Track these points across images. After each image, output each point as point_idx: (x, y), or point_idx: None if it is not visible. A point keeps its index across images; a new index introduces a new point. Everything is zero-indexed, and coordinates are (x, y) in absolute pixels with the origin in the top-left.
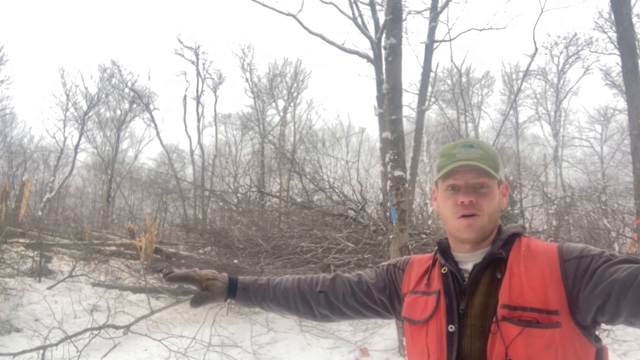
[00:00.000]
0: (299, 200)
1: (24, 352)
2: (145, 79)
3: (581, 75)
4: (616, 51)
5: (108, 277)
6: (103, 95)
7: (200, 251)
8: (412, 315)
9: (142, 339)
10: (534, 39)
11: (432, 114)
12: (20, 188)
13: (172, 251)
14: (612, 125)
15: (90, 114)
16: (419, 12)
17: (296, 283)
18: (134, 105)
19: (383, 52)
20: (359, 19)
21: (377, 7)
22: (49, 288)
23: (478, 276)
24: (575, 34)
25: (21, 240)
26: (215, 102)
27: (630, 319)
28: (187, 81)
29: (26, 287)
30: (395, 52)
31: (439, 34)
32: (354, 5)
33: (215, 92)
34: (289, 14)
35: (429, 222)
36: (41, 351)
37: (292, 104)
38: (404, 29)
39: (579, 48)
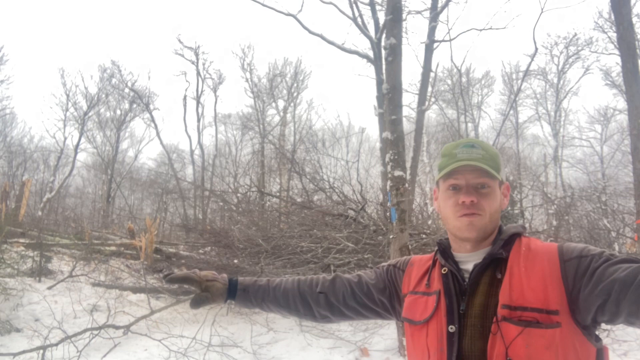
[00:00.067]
0: (299, 200)
1: (24, 352)
2: (145, 79)
3: (581, 75)
4: (616, 51)
5: (108, 277)
6: (103, 95)
7: (200, 251)
8: (413, 315)
9: (142, 339)
10: (534, 39)
11: (432, 114)
12: (20, 188)
13: (172, 251)
14: (612, 125)
15: (90, 114)
16: (419, 12)
17: (296, 284)
18: (134, 105)
19: (383, 52)
20: (359, 19)
21: (377, 7)
22: (49, 288)
23: (478, 276)
24: (575, 34)
25: (21, 240)
26: (215, 102)
27: (630, 318)
28: (187, 81)
29: (26, 287)
30: (395, 52)
31: (439, 34)
32: (354, 5)
33: (215, 92)
34: (289, 14)
35: (429, 222)
36: (41, 351)
37: (292, 104)
38: (404, 29)
39: (579, 48)
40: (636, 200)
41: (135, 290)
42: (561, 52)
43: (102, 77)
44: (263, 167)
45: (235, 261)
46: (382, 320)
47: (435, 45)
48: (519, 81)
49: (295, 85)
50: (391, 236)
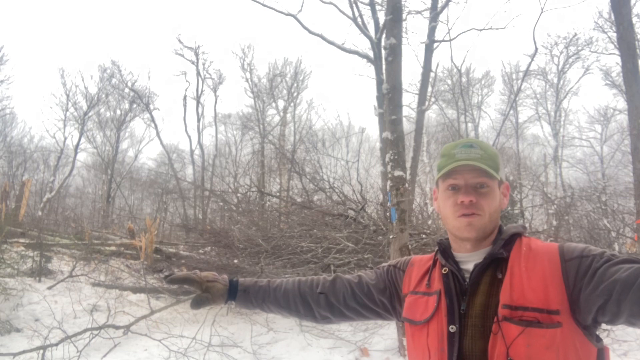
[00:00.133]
0: (299, 200)
1: (24, 352)
2: (145, 79)
3: (581, 75)
4: (616, 51)
5: (108, 277)
6: (103, 95)
7: (200, 251)
8: (413, 315)
9: (142, 339)
10: (534, 39)
11: (432, 114)
12: (20, 188)
13: (172, 251)
14: (612, 125)
15: (90, 114)
16: (419, 12)
17: (296, 285)
18: (134, 105)
19: (383, 52)
20: (359, 19)
21: (377, 7)
22: (49, 288)
23: (479, 276)
24: (575, 34)
25: (21, 240)
26: (215, 102)
27: (631, 319)
28: (187, 81)
29: (26, 287)
30: (395, 52)
31: (439, 34)
32: (354, 5)
33: (215, 92)
34: (289, 14)
35: (429, 222)
36: (41, 351)
37: (292, 104)
38: (404, 29)
39: (579, 48)
40: (636, 200)
41: (135, 290)
42: (561, 52)
43: (102, 77)
44: (263, 167)
45: (235, 261)
46: (383, 320)
47: (435, 45)
48: (519, 81)
49: (295, 85)
50: (391, 236)
